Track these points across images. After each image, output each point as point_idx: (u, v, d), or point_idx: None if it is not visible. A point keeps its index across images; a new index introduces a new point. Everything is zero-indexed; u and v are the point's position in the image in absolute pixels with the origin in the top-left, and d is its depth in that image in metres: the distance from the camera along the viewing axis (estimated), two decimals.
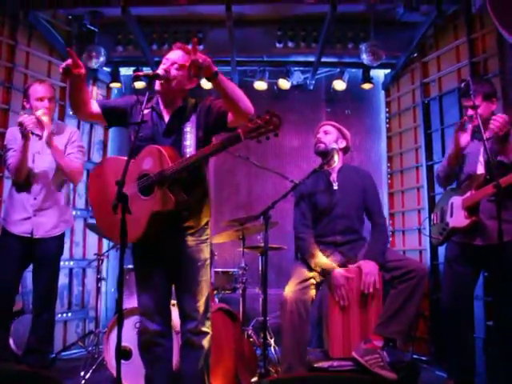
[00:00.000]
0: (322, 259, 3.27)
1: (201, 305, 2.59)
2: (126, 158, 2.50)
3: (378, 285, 3.15)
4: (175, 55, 2.62)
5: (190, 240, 2.59)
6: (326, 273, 3.23)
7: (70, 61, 2.35)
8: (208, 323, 2.61)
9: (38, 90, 3.39)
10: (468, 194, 3.12)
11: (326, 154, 3.48)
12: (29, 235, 3.36)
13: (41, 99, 3.36)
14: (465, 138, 3.15)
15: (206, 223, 2.70)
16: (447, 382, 3.28)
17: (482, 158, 3.16)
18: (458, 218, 3.14)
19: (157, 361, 2.63)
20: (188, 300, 2.58)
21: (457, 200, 3.20)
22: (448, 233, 3.22)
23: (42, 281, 3.45)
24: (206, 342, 2.59)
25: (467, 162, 3.23)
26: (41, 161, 3.44)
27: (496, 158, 3.01)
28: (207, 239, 2.68)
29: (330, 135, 3.53)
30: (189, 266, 2.59)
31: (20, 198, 3.40)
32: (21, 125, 3.18)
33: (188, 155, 2.50)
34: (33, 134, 3.33)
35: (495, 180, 2.61)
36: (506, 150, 2.95)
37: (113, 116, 2.67)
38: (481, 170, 3.14)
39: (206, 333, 2.60)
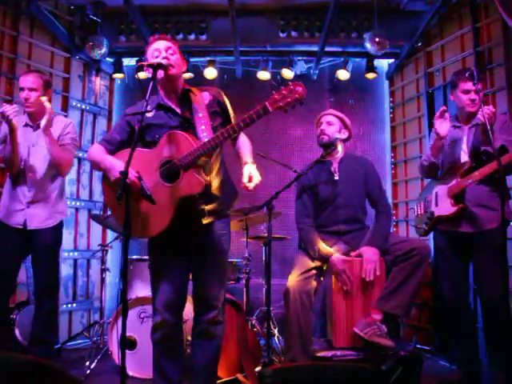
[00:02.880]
0: (321, 246, 3.28)
1: (222, 293, 2.64)
2: (142, 149, 2.54)
3: (378, 272, 3.15)
4: (164, 43, 2.61)
5: (218, 228, 2.61)
6: (324, 260, 3.23)
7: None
8: (224, 313, 2.66)
9: (20, 80, 3.39)
10: (454, 181, 3.11)
11: (329, 146, 3.47)
12: (21, 227, 3.37)
13: (21, 89, 3.35)
14: (445, 127, 3.13)
15: (231, 207, 2.73)
16: (455, 374, 3.29)
17: (465, 146, 3.18)
18: (444, 207, 3.15)
19: (173, 355, 2.63)
20: (212, 289, 2.59)
21: (441, 189, 3.21)
22: (433, 222, 3.23)
23: (41, 271, 3.46)
24: (220, 332, 2.64)
25: (450, 150, 3.24)
26: (36, 153, 3.43)
27: (481, 147, 3.05)
28: (229, 224, 2.74)
29: (333, 126, 3.51)
30: (216, 254, 2.61)
31: (15, 189, 3.41)
32: (2, 115, 3.16)
33: (205, 139, 2.44)
34: (27, 125, 3.31)
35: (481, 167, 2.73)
36: (490, 140, 2.94)
37: (124, 143, 2.64)
38: (465, 158, 3.16)
39: (222, 322, 2.65)
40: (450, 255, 3.24)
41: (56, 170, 3.47)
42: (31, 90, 3.36)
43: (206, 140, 2.38)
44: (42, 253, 3.46)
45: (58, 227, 3.57)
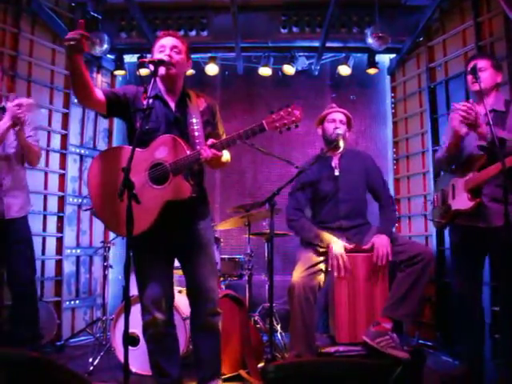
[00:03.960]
0: (319, 231, 3.28)
1: (216, 285, 2.69)
2: (138, 149, 2.52)
3: (390, 257, 3.14)
4: (171, 41, 2.63)
5: (203, 224, 2.69)
6: (325, 244, 3.24)
7: (79, 32, 2.26)
8: (219, 305, 2.71)
9: None
10: (470, 175, 3.04)
11: (337, 142, 3.44)
12: (0, 217, 3.29)
13: None
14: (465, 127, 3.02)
15: (209, 208, 2.83)
16: (461, 369, 3.28)
17: None
18: (461, 201, 3.07)
19: (168, 351, 2.66)
20: (206, 280, 2.63)
21: (458, 182, 3.13)
22: (451, 216, 3.17)
23: (23, 264, 3.37)
24: (220, 323, 2.70)
25: (466, 141, 3.13)
26: (6, 142, 3.36)
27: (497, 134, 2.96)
28: (211, 225, 2.83)
29: (344, 125, 3.51)
30: (205, 248, 2.67)
31: None
32: (19, 107, 3.13)
33: (198, 146, 2.52)
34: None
35: (499, 158, 2.58)
36: (507, 126, 2.90)
37: (116, 105, 2.61)
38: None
39: (220, 313, 2.70)
40: (464, 250, 3.19)
41: (28, 161, 3.45)
42: None
43: (202, 150, 2.44)
44: (22, 244, 3.39)
45: (27, 218, 3.52)
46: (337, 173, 3.45)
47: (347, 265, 3.16)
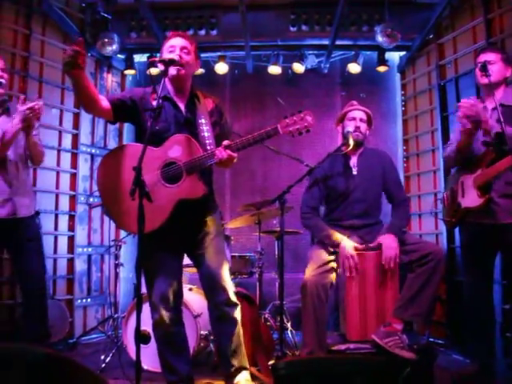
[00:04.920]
0: (331, 231, 3.28)
1: (228, 276, 2.70)
2: (150, 147, 2.53)
3: (398, 259, 3.13)
4: (180, 41, 2.66)
5: (212, 217, 2.74)
6: (335, 245, 3.23)
7: (76, 48, 2.31)
8: (235, 295, 2.72)
9: None
10: (479, 171, 3.01)
11: (347, 140, 3.42)
12: (11, 216, 3.29)
13: None
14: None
15: (217, 208, 2.88)
16: (470, 367, 3.28)
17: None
18: (471, 198, 3.05)
19: (177, 349, 2.68)
20: (219, 272, 2.65)
21: (467, 179, 3.09)
22: (461, 214, 3.14)
23: (34, 262, 3.38)
24: (237, 314, 2.70)
25: (476, 139, 3.07)
26: (15, 143, 3.35)
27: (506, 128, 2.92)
28: (221, 221, 2.91)
29: (365, 124, 3.50)
30: (215, 239, 2.70)
31: None
32: (32, 110, 3.11)
33: (208, 147, 2.57)
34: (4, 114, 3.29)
35: (510, 152, 2.57)
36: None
37: (122, 111, 2.64)
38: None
39: (237, 304, 2.71)
40: (474, 248, 3.17)
41: (34, 160, 3.46)
42: (3, 70, 3.30)
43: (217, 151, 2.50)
44: (33, 242, 3.39)
45: (35, 216, 3.52)
46: (355, 172, 3.44)
47: (358, 265, 3.16)
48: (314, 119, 2.58)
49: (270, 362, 3.50)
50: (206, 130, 2.62)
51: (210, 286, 2.67)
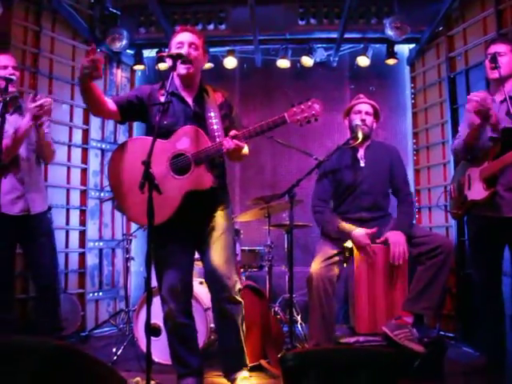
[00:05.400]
0: (341, 224, 3.29)
1: (234, 273, 2.70)
2: (160, 140, 2.54)
3: (406, 255, 3.13)
4: (188, 37, 2.66)
5: (224, 214, 2.73)
6: (346, 236, 3.24)
7: (94, 57, 2.33)
8: (240, 293, 2.72)
9: (0, 59, 3.31)
10: (485, 164, 2.99)
11: (355, 133, 3.43)
12: (26, 213, 3.33)
13: (4, 67, 3.28)
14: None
15: (229, 202, 2.87)
16: (480, 360, 3.27)
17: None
18: (477, 190, 3.04)
19: (187, 342, 2.71)
20: (221, 268, 2.65)
21: (474, 171, 3.08)
22: (467, 206, 3.13)
23: (47, 257, 3.43)
24: (240, 311, 2.71)
25: (484, 132, 3.06)
26: (26, 141, 3.38)
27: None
28: (231, 216, 2.88)
29: (371, 116, 3.49)
30: (223, 236, 2.69)
31: (7, 178, 3.30)
32: (41, 108, 3.13)
33: (218, 139, 2.57)
34: (16, 112, 3.31)
35: None
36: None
37: (129, 111, 2.68)
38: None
39: (239, 302, 2.71)
40: (481, 241, 3.17)
41: (45, 157, 3.50)
42: (14, 68, 3.33)
43: (225, 141, 2.49)
44: (45, 237, 3.44)
45: (47, 212, 3.56)
46: (362, 164, 3.44)
47: (373, 249, 3.18)
48: (322, 107, 2.55)
49: (280, 355, 3.52)
50: (215, 123, 2.63)
51: (213, 282, 2.69)
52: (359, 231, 3.20)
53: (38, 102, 3.14)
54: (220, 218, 2.72)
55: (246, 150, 2.71)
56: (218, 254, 2.67)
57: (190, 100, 2.71)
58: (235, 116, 2.82)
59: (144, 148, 2.36)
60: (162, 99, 2.53)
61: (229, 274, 2.66)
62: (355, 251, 3.21)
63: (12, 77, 3.15)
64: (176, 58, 2.54)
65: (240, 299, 2.72)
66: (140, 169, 2.23)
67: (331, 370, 1.56)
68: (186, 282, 2.71)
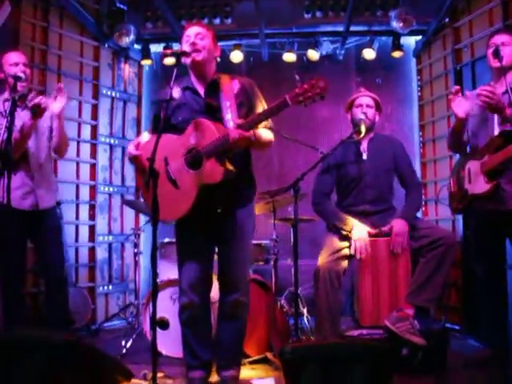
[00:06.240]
0: (344, 216, 3.33)
1: (246, 275, 2.73)
2: (170, 135, 2.60)
3: (406, 245, 3.17)
4: (195, 29, 2.68)
5: (242, 213, 2.71)
6: (348, 228, 3.27)
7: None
8: (248, 295, 2.74)
9: (11, 56, 3.35)
10: (486, 157, 2.97)
11: (358, 127, 3.45)
12: (35, 208, 3.38)
13: (16, 64, 3.31)
14: (464, 106, 3.00)
15: (253, 195, 2.85)
16: (484, 352, 3.29)
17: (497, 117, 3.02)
18: (478, 184, 3.02)
19: (201, 334, 2.74)
20: (233, 272, 2.69)
21: (474, 165, 3.06)
22: (468, 200, 3.11)
23: (56, 252, 3.49)
24: (244, 314, 2.73)
25: (485, 126, 3.08)
26: (37, 136, 3.44)
27: None
28: (254, 210, 2.84)
29: (372, 109, 3.52)
30: (238, 240, 2.69)
31: (17, 173, 3.33)
32: (38, 106, 3.15)
33: None
34: (27, 107, 3.29)
35: None
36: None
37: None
38: (498, 130, 3.00)
39: (246, 304, 2.73)
40: (482, 234, 3.18)
41: (59, 152, 3.55)
42: (25, 65, 3.36)
43: (230, 131, 2.44)
44: (53, 231, 3.50)
45: (56, 207, 3.64)
46: (365, 157, 3.47)
47: (368, 249, 3.19)
48: (327, 84, 2.36)
49: (279, 348, 3.57)
50: (229, 112, 2.58)
51: (224, 282, 2.73)
52: (360, 228, 3.25)
53: (35, 101, 3.18)
54: (241, 214, 2.70)
55: (268, 136, 2.70)
56: (231, 254, 2.69)
57: (203, 91, 2.71)
58: (258, 101, 2.74)
59: (166, 144, 2.44)
60: (176, 95, 2.58)
61: (241, 277, 2.69)
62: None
63: (21, 74, 3.19)
64: (180, 55, 2.58)
65: (247, 301, 2.74)
66: (160, 164, 2.33)
67: (328, 363, 1.60)
68: (206, 276, 2.72)
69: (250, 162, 2.81)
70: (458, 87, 3.09)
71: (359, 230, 3.22)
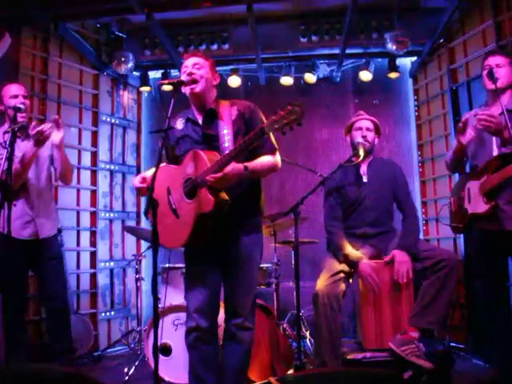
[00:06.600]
0: (349, 251, 3.32)
1: (249, 301, 2.70)
2: (171, 165, 2.68)
3: (410, 274, 3.17)
4: (192, 60, 2.72)
5: (247, 240, 2.68)
6: (353, 264, 3.27)
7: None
8: (252, 320, 2.73)
9: (10, 88, 3.40)
10: (484, 177, 2.98)
11: (357, 150, 3.47)
12: (35, 237, 3.39)
13: (15, 96, 3.36)
14: (467, 137, 3.07)
15: (259, 223, 2.80)
16: (490, 372, 3.26)
17: (495, 139, 3.02)
18: (477, 204, 3.02)
19: (207, 360, 2.69)
20: (238, 297, 2.68)
21: (474, 185, 3.07)
22: (468, 220, 3.11)
23: (57, 280, 3.49)
24: (248, 338, 2.71)
25: (484, 146, 3.08)
26: (38, 164, 3.47)
27: None
28: (261, 239, 2.80)
29: (372, 132, 3.55)
30: (243, 266, 2.68)
31: (17, 202, 3.36)
32: (41, 133, 3.21)
33: None
34: (29, 136, 3.34)
35: None
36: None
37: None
38: (496, 151, 3.01)
39: (250, 328, 2.71)
40: (484, 254, 3.15)
41: (65, 180, 3.57)
42: (25, 97, 3.40)
43: (215, 162, 2.44)
44: (54, 260, 3.49)
45: (57, 235, 3.63)
46: (365, 179, 3.49)
47: (377, 282, 3.21)
48: (304, 108, 2.24)
49: (289, 372, 3.54)
50: (227, 141, 2.59)
51: (228, 307, 2.72)
52: (365, 263, 3.25)
53: (38, 128, 3.22)
54: (244, 244, 2.68)
55: (268, 162, 2.65)
56: (236, 283, 2.68)
57: (202, 121, 2.73)
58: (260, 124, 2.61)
59: (168, 175, 2.52)
60: (179, 127, 2.74)
61: (244, 304, 2.68)
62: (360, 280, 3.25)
63: (20, 106, 3.24)
64: (176, 84, 2.60)
65: (251, 326, 2.72)
66: (163, 195, 2.43)
67: None
68: (213, 301, 2.70)
69: (256, 190, 2.77)
70: (462, 122, 3.12)
71: (366, 267, 3.23)
